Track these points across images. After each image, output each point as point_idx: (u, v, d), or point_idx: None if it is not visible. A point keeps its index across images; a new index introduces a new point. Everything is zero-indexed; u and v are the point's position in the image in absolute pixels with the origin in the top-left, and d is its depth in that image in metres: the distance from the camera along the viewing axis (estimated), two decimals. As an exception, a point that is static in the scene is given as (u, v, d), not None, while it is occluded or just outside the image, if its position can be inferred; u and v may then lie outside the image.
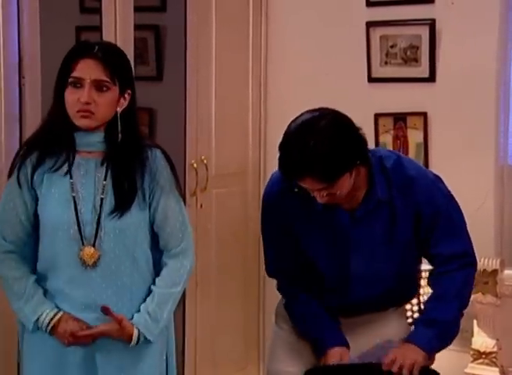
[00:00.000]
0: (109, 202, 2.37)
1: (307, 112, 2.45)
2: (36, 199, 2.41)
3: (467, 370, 3.40)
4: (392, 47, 3.72)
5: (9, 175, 2.42)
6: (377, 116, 3.76)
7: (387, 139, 3.76)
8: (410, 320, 3.31)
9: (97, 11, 3.30)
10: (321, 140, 2.32)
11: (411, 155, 3.70)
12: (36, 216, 2.43)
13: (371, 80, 3.79)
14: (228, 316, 3.83)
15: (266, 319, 3.99)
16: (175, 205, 2.45)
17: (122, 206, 2.36)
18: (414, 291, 2.90)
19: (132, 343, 2.37)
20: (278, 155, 2.41)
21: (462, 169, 3.64)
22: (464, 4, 3.61)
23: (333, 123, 2.38)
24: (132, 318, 2.39)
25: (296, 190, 2.44)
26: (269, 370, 2.74)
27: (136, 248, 2.41)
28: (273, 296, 2.88)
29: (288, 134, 2.39)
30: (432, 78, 3.67)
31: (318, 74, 3.93)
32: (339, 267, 2.63)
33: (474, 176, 3.65)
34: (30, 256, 2.44)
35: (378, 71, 3.77)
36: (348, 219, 2.57)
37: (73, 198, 2.35)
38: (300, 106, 3.89)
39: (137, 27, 3.37)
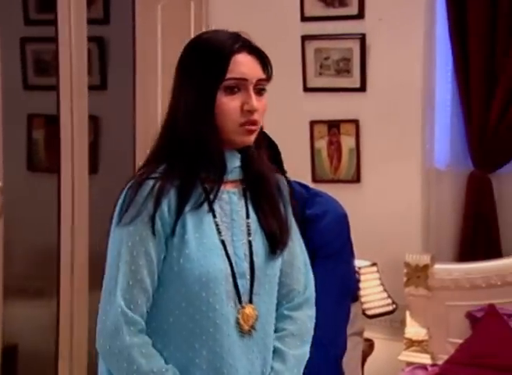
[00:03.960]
0: (261, 245, 1.85)
1: None
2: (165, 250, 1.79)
3: (401, 358, 3.66)
4: (326, 59, 3.95)
5: (118, 208, 1.78)
6: (312, 123, 3.98)
7: (322, 144, 3.97)
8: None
9: (43, 23, 3.43)
10: None
11: (344, 159, 3.95)
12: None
13: (307, 89, 4.00)
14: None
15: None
16: (298, 242, 1.97)
17: (276, 249, 1.85)
18: None
19: None
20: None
21: (391, 171, 3.88)
22: (391, 20, 3.85)
23: None
24: None
25: None
26: None
27: (276, 297, 1.92)
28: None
29: None
30: (362, 88, 3.90)
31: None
32: None
33: (402, 179, 3.88)
34: None
35: (313, 81, 3.98)
36: None
37: (222, 242, 1.80)
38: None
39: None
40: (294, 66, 3.99)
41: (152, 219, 1.74)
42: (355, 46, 3.88)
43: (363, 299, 3.58)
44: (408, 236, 3.78)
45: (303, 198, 2.55)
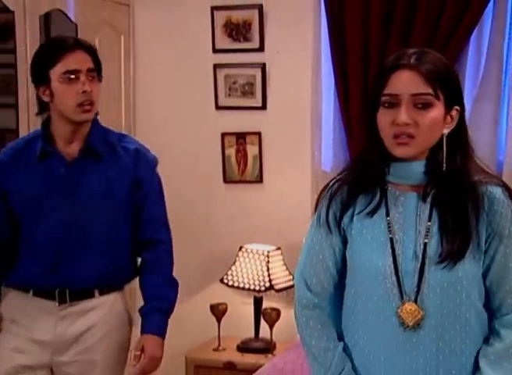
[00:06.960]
0: (436, 248, 1.89)
1: None
2: (344, 242, 1.98)
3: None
4: (233, 83, 4.47)
5: (316, 209, 2.03)
6: (223, 135, 4.51)
7: (231, 152, 4.51)
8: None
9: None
10: None
11: (250, 164, 4.50)
12: (344, 263, 1.99)
13: (218, 107, 4.53)
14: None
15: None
16: None
17: (452, 254, 1.87)
18: (132, 272, 2.74)
19: None
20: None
21: (287, 173, 4.40)
22: (286, 52, 4.40)
23: None
24: None
25: None
26: None
27: (470, 307, 1.91)
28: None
29: None
30: (263, 107, 4.44)
31: (176, 105, 4.66)
32: (53, 221, 2.54)
33: (296, 179, 4.38)
34: (333, 312, 2.03)
35: (224, 101, 4.51)
36: (64, 168, 2.58)
37: (390, 240, 1.90)
38: (162, 129, 4.76)
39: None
40: (208, 88, 4.52)
41: (326, 214, 1.98)
42: (257, 73, 4.41)
43: (272, 276, 4.13)
44: (303, 225, 4.39)
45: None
